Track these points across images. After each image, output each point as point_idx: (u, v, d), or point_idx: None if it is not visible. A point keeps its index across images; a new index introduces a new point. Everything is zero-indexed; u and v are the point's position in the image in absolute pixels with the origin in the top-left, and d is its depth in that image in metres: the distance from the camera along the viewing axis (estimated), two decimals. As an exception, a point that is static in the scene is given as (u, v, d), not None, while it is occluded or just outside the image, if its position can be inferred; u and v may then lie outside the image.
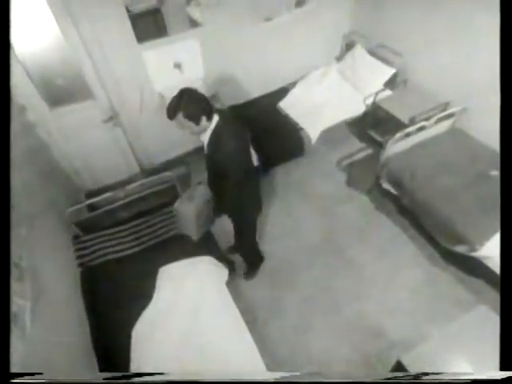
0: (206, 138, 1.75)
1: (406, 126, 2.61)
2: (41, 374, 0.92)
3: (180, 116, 1.59)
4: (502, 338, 0.94)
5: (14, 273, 1.35)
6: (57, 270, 1.94)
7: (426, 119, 2.63)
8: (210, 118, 1.66)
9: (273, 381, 0.99)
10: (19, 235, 1.61)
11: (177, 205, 2.05)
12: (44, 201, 2.19)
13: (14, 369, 1.11)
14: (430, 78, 2.91)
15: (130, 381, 0.97)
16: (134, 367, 1.72)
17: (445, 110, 2.74)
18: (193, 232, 2.13)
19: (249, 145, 1.91)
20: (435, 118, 2.62)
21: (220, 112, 1.74)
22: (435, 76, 2.87)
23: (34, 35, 2.20)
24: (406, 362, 1.48)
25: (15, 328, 1.21)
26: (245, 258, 2.51)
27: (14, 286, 1.30)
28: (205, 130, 1.70)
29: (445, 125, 2.74)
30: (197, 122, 1.63)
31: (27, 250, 1.59)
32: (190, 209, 1.99)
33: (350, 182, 3.10)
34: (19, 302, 1.29)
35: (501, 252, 1.08)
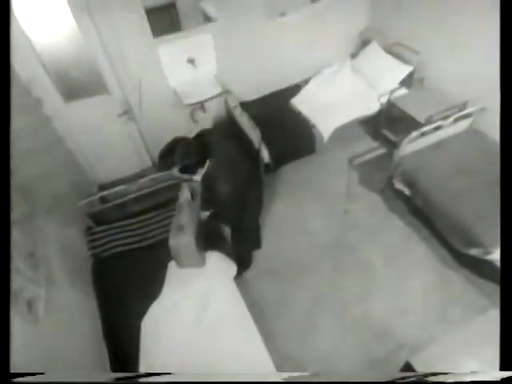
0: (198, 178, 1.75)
1: (421, 126, 2.56)
2: (42, 374, 0.91)
3: (175, 170, 1.55)
4: (501, 338, 0.94)
5: (30, 261, 1.38)
6: (69, 259, 1.98)
7: (443, 119, 2.57)
8: (204, 165, 1.64)
9: (281, 381, 0.98)
10: (35, 225, 1.66)
11: (171, 242, 1.88)
12: (58, 192, 2.24)
13: (23, 358, 1.13)
14: (448, 77, 2.84)
15: (138, 381, 0.96)
16: (144, 360, 1.74)
17: (462, 109, 2.67)
18: (197, 261, 2.01)
19: (246, 165, 1.94)
20: (452, 118, 2.56)
21: (211, 148, 1.70)
22: (453, 75, 2.80)
23: (52, 29, 2.24)
24: (414, 363, 1.45)
25: (29, 314, 1.25)
26: (239, 257, 2.36)
27: (29, 274, 1.33)
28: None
29: (462, 125, 2.67)
30: (193, 173, 1.62)
31: (42, 239, 1.63)
32: (185, 240, 1.85)
33: (362, 182, 3.06)
34: (34, 289, 1.32)
35: (501, 252, 1.07)
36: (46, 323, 1.34)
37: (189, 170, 1.63)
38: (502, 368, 0.91)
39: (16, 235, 1.39)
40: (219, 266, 2.14)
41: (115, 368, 1.74)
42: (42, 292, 1.36)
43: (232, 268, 2.21)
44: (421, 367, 1.43)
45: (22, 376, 0.84)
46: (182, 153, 1.58)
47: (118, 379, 0.99)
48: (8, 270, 0.97)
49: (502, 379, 0.86)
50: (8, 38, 0.97)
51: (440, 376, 1.06)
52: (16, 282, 1.22)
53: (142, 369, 1.71)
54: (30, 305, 1.26)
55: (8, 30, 0.97)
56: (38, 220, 1.72)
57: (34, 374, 0.88)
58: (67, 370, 1.38)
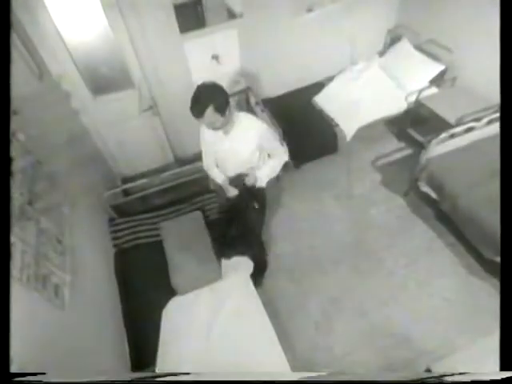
0: (233, 134, 1.75)
1: (451, 127, 2.45)
2: (44, 373, 0.89)
3: (210, 109, 1.56)
4: (501, 338, 0.92)
5: (57, 248, 1.43)
6: (93, 248, 2.04)
7: (476, 120, 2.45)
8: (229, 109, 1.66)
9: (298, 380, 0.96)
10: (62, 214, 1.72)
11: None
12: (84, 183, 2.31)
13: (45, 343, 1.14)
14: (483, 77, 2.70)
15: (156, 380, 0.96)
16: (161, 352, 1.77)
17: (498, 111, 2.53)
18: None
19: None
20: (486, 120, 2.43)
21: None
22: (488, 74, 2.65)
23: (82, 25, 2.29)
24: (436, 370, 1.40)
25: (56, 299, 1.29)
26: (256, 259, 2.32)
27: (56, 260, 1.38)
28: (226, 123, 1.69)
29: (496, 127, 2.53)
30: (223, 113, 1.61)
31: (69, 228, 1.69)
32: None
33: (385, 183, 2.98)
34: (60, 275, 1.37)
35: (501, 252, 1.04)
36: (71, 309, 1.38)
37: (221, 110, 1.60)
38: (502, 368, 0.89)
39: (45, 223, 1.45)
40: (236, 262, 2.15)
41: (134, 357, 1.78)
42: (68, 278, 1.42)
43: (249, 264, 2.21)
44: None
45: (23, 376, 0.83)
46: (212, 91, 1.60)
47: (135, 379, 0.99)
48: (8, 270, 0.98)
49: (502, 379, 0.84)
50: (8, 36, 0.99)
51: (456, 376, 1.02)
52: (44, 268, 1.28)
53: (159, 360, 1.74)
54: (57, 290, 1.31)
55: (8, 27, 0.98)
56: (65, 209, 1.78)
57: (34, 374, 0.86)
58: (87, 358, 1.42)
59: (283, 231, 2.75)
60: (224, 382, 0.93)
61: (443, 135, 2.37)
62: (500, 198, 1.02)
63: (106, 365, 1.58)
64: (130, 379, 0.99)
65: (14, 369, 0.90)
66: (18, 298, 1.07)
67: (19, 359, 0.96)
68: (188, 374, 1.05)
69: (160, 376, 0.99)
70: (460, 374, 0.99)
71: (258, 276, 2.34)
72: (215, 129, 1.70)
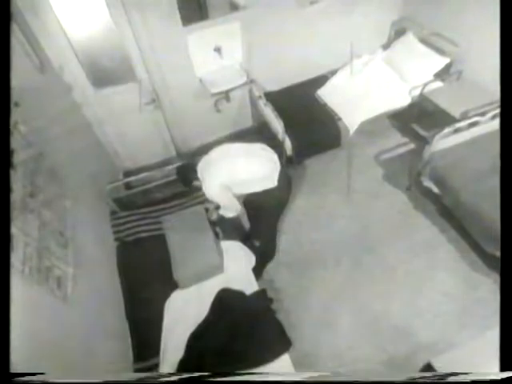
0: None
1: (456, 121, 2.42)
2: (42, 373, 0.89)
3: None
4: (501, 338, 0.92)
5: (60, 240, 1.44)
6: (96, 241, 2.04)
7: (481, 114, 2.42)
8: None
9: (300, 380, 0.95)
10: (64, 207, 1.72)
11: None
12: (86, 176, 2.31)
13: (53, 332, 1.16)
14: (488, 71, 2.65)
15: (160, 380, 0.95)
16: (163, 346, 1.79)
17: (502, 105, 2.50)
18: None
19: None
20: (491, 114, 2.40)
21: None
22: (493, 68, 2.60)
23: (84, 16, 2.27)
24: (436, 365, 1.40)
25: (59, 291, 1.30)
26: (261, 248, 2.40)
27: (59, 253, 1.39)
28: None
29: (501, 121, 2.51)
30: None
31: (71, 220, 1.69)
32: None
33: (388, 178, 2.96)
34: (63, 268, 1.37)
35: (501, 252, 1.04)
36: (73, 301, 1.39)
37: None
38: (502, 368, 0.89)
39: (47, 215, 1.45)
40: (238, 256, 2.15)
41: (137, 349, 1.80)
42: (71, 271, 1.42)
43: (251, 258, 2.22)
44: (442, 370, 1.38)
45: (22, 376, 0.83)
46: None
47: (137, 379, 0.99)
48: (8, 271, 0.98)
49: (502, 379, 0.84)
50: (8, 36, 0.97)
51: (461, 376, 1.02)
52: (47, 260, 1.28)
53: (162, 353, 1.75)
54: (60, 283, 1.31)
55: (9, 19, 0.97)
56: (67, 202, 1.78)
57: (34, 374, 0.86)
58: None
59: (285, 225, 2.75)
60: (226, 381, 0.92)
61: (447, 130, 2.35)
62: (500, 192, 1.01)
63: (108, 357, 1.60)
64: (132, 379, 0.99)
65: (14, 360, 0.90)
66: (20, 290, 1.08)
67: (21, 352, 0.96)
68: (191, 374, 1.04)
69: (163, 376, 0.98)
70: (463, 373, 0.99)
71: (259, 267, 2.34)
72: None
